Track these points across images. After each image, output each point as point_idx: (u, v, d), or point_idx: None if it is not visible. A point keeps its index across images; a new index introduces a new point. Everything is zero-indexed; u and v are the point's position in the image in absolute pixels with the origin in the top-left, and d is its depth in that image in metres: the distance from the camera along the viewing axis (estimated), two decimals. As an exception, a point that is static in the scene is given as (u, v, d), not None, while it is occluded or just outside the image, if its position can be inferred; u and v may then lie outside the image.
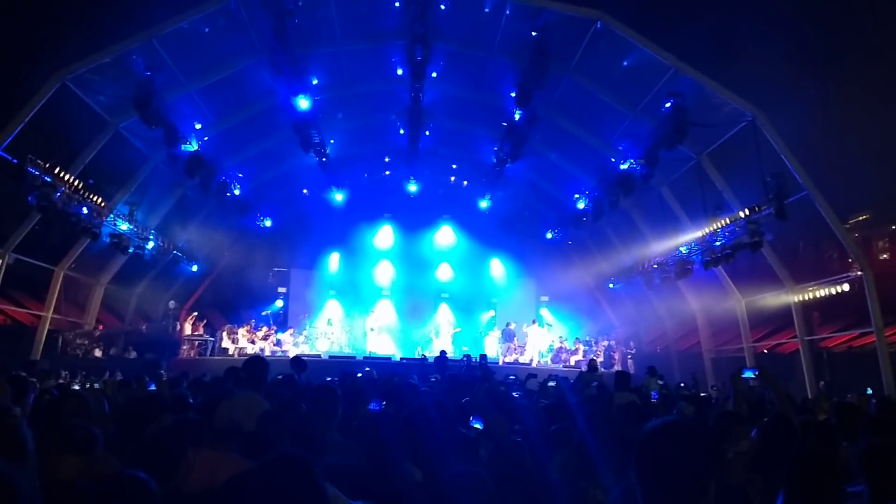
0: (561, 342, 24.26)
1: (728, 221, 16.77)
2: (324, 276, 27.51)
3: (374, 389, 8.60)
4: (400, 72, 17.94)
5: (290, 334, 23.88)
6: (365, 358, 21.88)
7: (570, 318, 26.47)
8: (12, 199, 15.46)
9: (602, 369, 20.89)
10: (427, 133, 20.61)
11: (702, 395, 13.16)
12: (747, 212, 15.85)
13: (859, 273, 15.91)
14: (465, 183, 26.18)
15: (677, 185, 19.70)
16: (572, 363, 22.29)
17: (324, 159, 20.54)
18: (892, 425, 4.17)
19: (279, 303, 27.15)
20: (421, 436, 3.65)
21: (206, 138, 18.26)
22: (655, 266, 21.27)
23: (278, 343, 23.15)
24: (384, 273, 27.73)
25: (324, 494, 2.38)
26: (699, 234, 18.24)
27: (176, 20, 15.14)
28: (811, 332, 18.96)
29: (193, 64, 17.04)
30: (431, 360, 19.53)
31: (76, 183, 15.69)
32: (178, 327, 22.88)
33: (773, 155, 15.57)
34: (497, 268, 28.22)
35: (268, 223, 24.61)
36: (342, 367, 15.77)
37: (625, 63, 16.97)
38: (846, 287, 16.89)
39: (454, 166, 25.77)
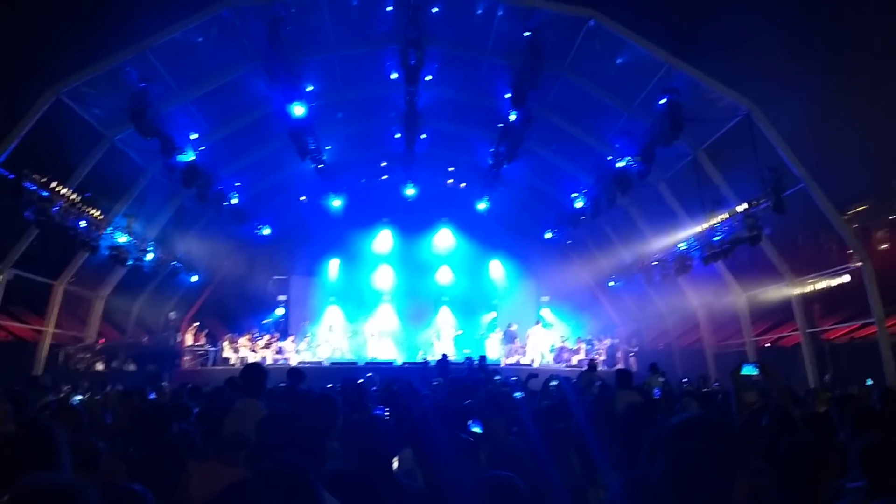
0: (563, 342, 24.25)
1: (726, 216, 16.76)
2: (324, 282, 27.48)
3: (375, 396, 8.60)
4: (394, 76, 17.93)
5: (292, 342, 23.85)
6: (367, 363, 21.85)
7: (571, 318, 26.43)
8: (10, 214, 15.45)
9: (605, 368, 20.92)
10: (423, 136, 20.62)
11: (704, 391, 13.15)
12: (745, 206, 15.85)
13: (859, 264, 15.90)
14: (463, 185, 26.17)
15: (675, 181, 19.70)
16: (574, 363, 22.27)
17: (321, 166, 20.51)
18: (890, 417, 4.16)
19: (280, 311, 27.10)
20: (422, 442, 3.63)
21: (202, 148, 18.25)
22: (655, 263, 21.27)
23: (280, 351, 23.13)
24: (384, 278, 27.68)
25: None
26: (698, 229, 18.23)
27: (169, 31, 15.15)
28: (812, 325, 18.93)
29: (188, 74, 17.05)
30: (433, 364, 19.52)
31: (73, 197, 15.70)
32: (179, 338, 22.85)
33: (770, 148, 15.57)
34: (497, 269, 28.18)
35: (266, 231, 24.60)
36: (344, 373, 15.75)
37: (618, 61, 16.96)
38: (846, 278, 16.90)
39: (451, 169, 25.75)
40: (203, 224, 22.94)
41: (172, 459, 3.94)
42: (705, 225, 17.66)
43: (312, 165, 20.32)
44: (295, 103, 16.55)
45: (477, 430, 4.44)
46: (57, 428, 2.96)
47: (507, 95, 16.91)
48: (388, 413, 4.91)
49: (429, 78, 17.98)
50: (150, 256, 20.13)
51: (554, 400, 9.04)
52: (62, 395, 12.97)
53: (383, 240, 27.85)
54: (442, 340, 24.58)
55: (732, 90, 15.62)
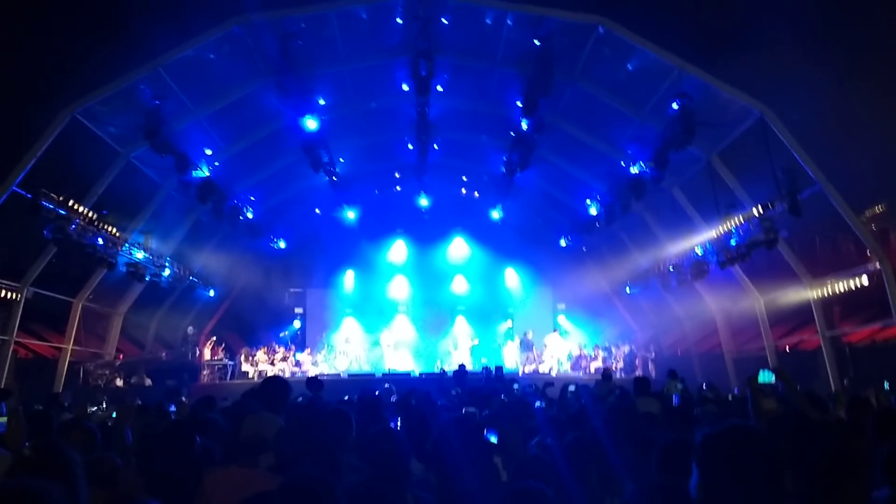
0: (580, 349, 24.16)
1: (742, 220, 16.66)
2: (340, 294, 27.56)
3: (393, 407, 8.60)
4: (405, 87, 17.98)
5: (309, 354, 23.92)
6: (384, 375, 21.86)
7: (588, 325, 26.34)
8: (28, 233, 15.65)
9: (623, 375, 20.82)
10: (436, 147, 20.68)
11: (726, 397, 13.02)
12: (761, 209, 15.75)
13: (877, 265, 15.75)
14: (477, 194, 26.18)
15: (689, 185, 19.60)
16: (592, 370, 22.18)
17: (334, 178, 20.62)
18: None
19: (297, 323, 27.21)
20: (441, 457, 3.63)
21: (216, 163, 18.42)
22: (671, 268, 21.15)
23: (297, 364, 23.19)
24: (400, 288, 27.74)
25: None
26: (713, 233, 18.12)
27: (181, 48, 15.28)
28: (832, 327, 18.74)
29: (200, 91, 17.18)
30: (451, 374, 19.50)
31: (90, 214, 15.85)
32: (198, 353, 22.96)
33: (784, 151, 15.46)
34: (512, 277, 28.16)
35: (282, 244, 24.74)
36: (361, 384, 15.80)
37: (629, 66, 16.91)
38: (865, 280, 16.70)
39: (464, 178, 25.78)
40: (219, 239, 23.09)
41: (189, 473, 3.95)
42: (721, 229, 17.56)
43: (326, 178, 20.43)
44: (307, 117, 16.67)
45: (493, 439, 4.43)
46: (71, 451, 2.98)
47: (519, 104, 16.93)
48: (399, 422, 4.90)
49: (440, 88, 18.03)
50: (167, 272, 20.28)
51: (572, 409, 9.00)
52: (79, 412, 13.03)
53: (398, 250, 27.92)
54: (459, 350, 24.57)
55: (744, 93, 15.53)
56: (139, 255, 18.59)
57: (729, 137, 17.00)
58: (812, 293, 18.29)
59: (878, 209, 21.33)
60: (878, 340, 18.31)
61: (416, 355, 25.54)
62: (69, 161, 15.95)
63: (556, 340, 24.14)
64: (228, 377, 22.41)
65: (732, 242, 17.16)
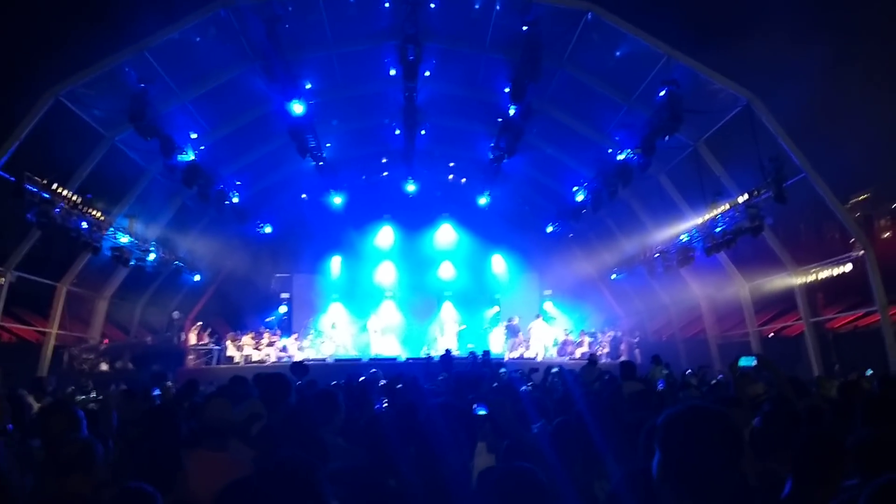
0: (566, 335, 24.27)
1: (728, 207, 16.74)
2: (326, 279, 27.54)
3: (381, 391, 8.62)
4: (393, 72, 17.90)
5: (295, 339, 23.90)
6: (370, 360, 21.89)
7: (574, 311, 26.46)
8: (12, 217, 15.46)
9: (609, 360, 20.95)
10: (423, 132, 20.62)
11: (708, 382, 13.13)
12: (746, 196, 15.82)
13: (861, 252, 15.88)
14: (464, 180, 26.16)
15: (675, 172, 19.67)
16: (578, 356, 22.29)
17: (321, 163, 20.53)
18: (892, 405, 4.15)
19: (283, 308, 27.15)
20: (427, 441, 3.63)
21: (202, 147, 18.27)
22: (657, 255, 21.25)
23: (283, 349, 23.17)
24: (386, 274, 27.72)
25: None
26: (699, 220, 18.22)
27: (167, 31, 15.12)
28: (816, 314, 18.93)
29: (186, 74, 17.04)
30: (437, 360, 19.53)
31: (75, 198, 15.71)
32: (183, 337, 22.89)
33: (770, 138, 15.53)
34: (499, 263, 28.21)
35: (268, 229, 24.64)
36: (348, 370, 15.78)
37: (617, 53, 16.93)
38: (849, 267, 16.86)
39: (452, 164, 25.76)
40: (205, 223, 22.98)
41: (172, 457, 3.95)
42: (707, 216, 17.64)
43: (313, 163, 20.36)
44: (294, 101, 16.56)
45: (482, 412, 4.45)
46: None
47: (507, 90, 16.87)
48: (386, 403, 4.90)
49: (427, 74, 17.97)
50: (152, 256, 20.15)
51: (556, 392, 9.05)
52: (65, 396, 12.98)
53: (385, 236, 27.89)
54: (445, 335, 24.60)
55: (732, 81, 15.57)
56: (124, 239, 18.45)
57: (716, 125, 17.06)
58: (796, 280, 18.45)
59: (862, 197, 21.50)
60: (860, 327, 18.52)
61: (403, 341, 25.57)
62: (53, 144, 15.79)
63: (540, 326, 24.22)
64: (214, 362, 22.37)
65: (718, 229, 17.25)
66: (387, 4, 16.27)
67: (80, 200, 15.88)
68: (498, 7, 16.24)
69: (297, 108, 16.71)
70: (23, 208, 14.24)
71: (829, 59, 15.55)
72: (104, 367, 20.48)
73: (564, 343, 23.78)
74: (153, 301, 24.42)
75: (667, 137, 15.78)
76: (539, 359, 22.15)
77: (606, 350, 22.82)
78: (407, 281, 27.57)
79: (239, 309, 26.58)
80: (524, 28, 15.28)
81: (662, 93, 15.11)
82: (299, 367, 9.78)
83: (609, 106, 18.57)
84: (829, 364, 17.81)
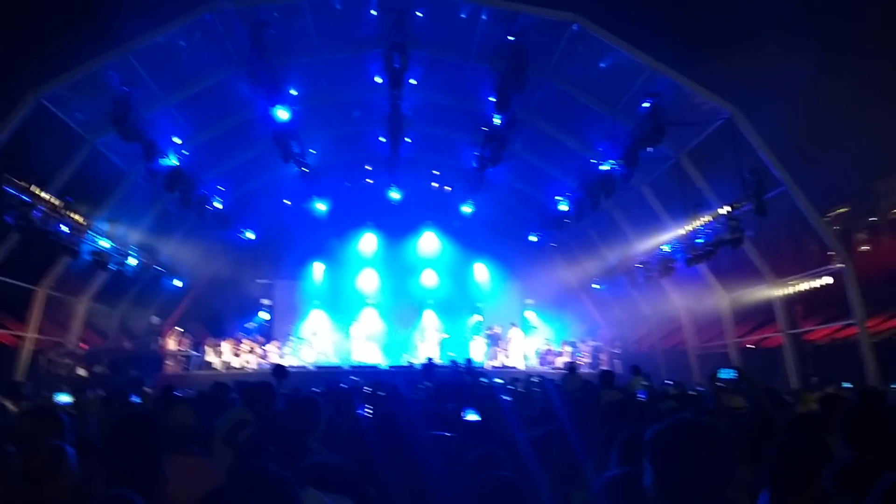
0: (547, 344, 24.31)
1: (709, 219, 16.85)
2: (308, 286, 27.42)
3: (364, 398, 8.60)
4: (378, 80, 17.90)
5: (276, 346, 23.78)
6: (352, 367, 21.81)
7: (555, 320, 26.51)
8: (-10, 219, 15.28)
9: (589, 370, 21.00)
10: (408, 140, 20.60)
11: (687, 393, 13.19)
12: (727, 208, 15.94)
13: (840, 266, 16.04)
14: (448, 189, 26.18)
15: (658, 184, 19.80)
16: (559, 365, 22.33)
17: (304, 169, 20.48)
18: (871, 418, 4.19)
19: (264, 315, 27.01)
20: (409, 448, 3.63)
21: (185, 152, 18.16)
22: (639, 265, 21.36)
23: (264, 355, 23.04)
24: (369, 281, 27.66)
25: None
26: (681, 232, 18.32)
27: (151, 35, 15.07)
28: (795, 326, 19.07)
29: (170, 78, 16.95)
30: (419, 367, 19.50)
31: (55, 201, 15.53)
32: (162, 343, 22.70)
33: (752, 151, 15.67)
34: (482, 272, 28.22)
35: (250, 235, 24.51)
36: (329, 377, 15.74)
37: (602, 65, 17.04)
38: (828, 280, 17.03)
39: (436, 172, 25.76)
40: (186, 228, 22.82)
41: (151, 463, 3.90)
42: (688, 227, 17.75)
43: (296, 169, 20.28)
44: (278, 107, 16.51)
45: (474, 416, 4.43)
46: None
47: (492, 99, 16.92)
48: (369, 410, 4.89)
49: (413, 82, 17.95)
50: (132, 261, 19.96)
51: (537, 402, 9.06)
52: (44, 402, 12.82)
53: (368, 243, 27.83)
54: (427, 343, 24.56)
55: (714, 94, 15.72)
56: (104, 243, 18.28)
57: (698, 137, 17.19)
58: (775, 292, 18.60)
59: (841, 210, 21.76)
60: (838, 339, 18.69)
61: (384, 348, 25.49)
62: (34, 146, 15.63)
63: (517, 335, 24.25)
64: (193, 368, 22.19)
65: (699, 241, 17.36)
66: (373, 12, 16.28)
67: (60, 204, 15.72)
68: (484, 17, 16.32)
69: (282, 113, 16.67)
70: (1, 210, 14.08)
71: (810, 74, 15.77)
72: (82, 372, 20.25)
73: (546, 352, 23.83)
74: (133, 306, 24.17)
75: (649, 149, 15.89)
76: (521, 368, 22.17)
77: (587, 360, 22.89)
78: (389, 288, 27.51)
79: (219, 315, 26.42)
80: (510, 38, 15.35)
81: (646, 105, 15.21)
82: (280, 371, 9.72)
83: (593, 117, 18.66)
84: (807, 376, 17.95)
